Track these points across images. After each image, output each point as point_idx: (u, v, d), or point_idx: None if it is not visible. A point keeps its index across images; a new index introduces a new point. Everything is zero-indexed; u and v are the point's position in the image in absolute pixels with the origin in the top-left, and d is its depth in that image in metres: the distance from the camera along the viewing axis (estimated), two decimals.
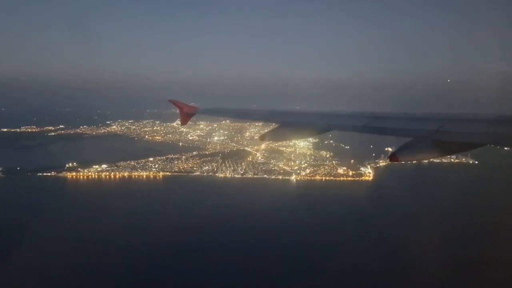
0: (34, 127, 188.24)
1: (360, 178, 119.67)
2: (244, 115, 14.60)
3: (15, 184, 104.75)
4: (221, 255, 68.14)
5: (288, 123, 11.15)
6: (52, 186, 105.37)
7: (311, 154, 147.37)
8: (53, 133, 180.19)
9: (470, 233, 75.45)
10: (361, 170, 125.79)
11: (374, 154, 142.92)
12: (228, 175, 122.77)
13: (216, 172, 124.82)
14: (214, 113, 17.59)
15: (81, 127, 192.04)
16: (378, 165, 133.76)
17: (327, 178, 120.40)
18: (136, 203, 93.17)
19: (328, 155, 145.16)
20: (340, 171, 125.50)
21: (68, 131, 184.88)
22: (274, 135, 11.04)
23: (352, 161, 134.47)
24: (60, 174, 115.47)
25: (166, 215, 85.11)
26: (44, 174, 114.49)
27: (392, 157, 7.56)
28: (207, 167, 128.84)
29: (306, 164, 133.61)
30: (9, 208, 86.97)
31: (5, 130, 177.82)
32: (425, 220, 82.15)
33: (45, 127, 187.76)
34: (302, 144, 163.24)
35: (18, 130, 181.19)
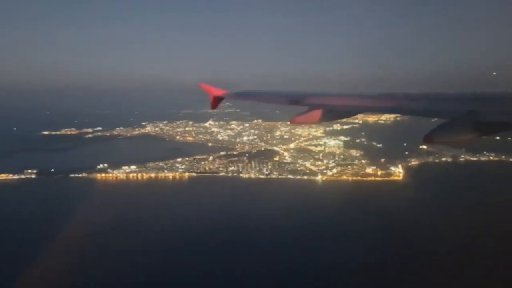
0: (74, 129, 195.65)
1: (389, 178, 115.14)
2: (274, 97, 14.28)
3: (47, 185, 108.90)
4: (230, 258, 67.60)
5: (319, 105, 10.68)
6: (80, 187, 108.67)
7: (340, 153, 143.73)
8: (90, 135, 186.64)
9: None
10: (391, 170, 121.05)
11: (407, 153, 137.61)
12: (252, 175, 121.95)
13: (241, 172, 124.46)
14: (243, 96, 16.90)
15: (117, 128, 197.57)
16: (410, 164, 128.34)
17: (354, 178, 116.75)
18: (146, 203, 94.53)
19: (358, 154, 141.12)
20: (369, 170, 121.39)
21: (105, 133, 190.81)
22: (305, 118, 10.42)
23: (383, 160, 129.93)
24: (91, 176, 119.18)
25: (162, 218, 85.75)
26: (76, 175, 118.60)
27: (426, 138, 6.74)
28: (232, 168, 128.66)
29: (333, 164, 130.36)
30: (35, 208, 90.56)
31: (46, 133, 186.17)
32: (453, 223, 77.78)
33: (84, 129, 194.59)
34: (332, 143, 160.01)
35: (58, 132, 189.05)
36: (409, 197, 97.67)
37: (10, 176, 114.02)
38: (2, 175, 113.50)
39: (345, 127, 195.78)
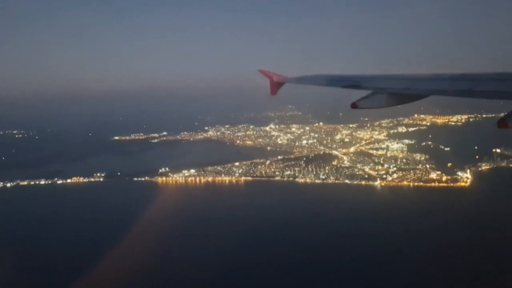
0: (142, 134, 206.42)
1: (454, 184, 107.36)
2: (334, 81, 14.05)
3: (112, 188, 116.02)
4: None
5: (382, 89, 10.45)
6: (141, 190, 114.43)
7: (403, 157, 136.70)
8: (156, 140, 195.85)
9: None
10: (457, 175, 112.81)
11: (477, 156, 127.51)
12: (308, 180, 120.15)
13: (297, 177, 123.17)
14: (302, 81, 16.63)
15: (181, 133, 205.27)
16: (480, 169, 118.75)
17: (416, 183, 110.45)
18: (199, 207, 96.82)
19: (422, 158, 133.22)
20: (433, 175, 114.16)
21: (170, 138, 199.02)
22: (366, 102, 10.16)
23: (450, 164, 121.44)
24: (152, 179, 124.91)
25: (213, 221, 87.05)
26: (139, 179, 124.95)
27: (501, 122, 6.55)
28: (288, 172, 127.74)
29: (395, 168, 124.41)
30: (96, 209, 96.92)
31: (117, 138, 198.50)
32: None
33: (151, 134, 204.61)
34: (395, 146, 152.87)
35: (128, 137, 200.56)
36: (474, 206, 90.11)
37: (81, 179, 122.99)
38: (74, 178, 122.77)
39: (410, 129, 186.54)
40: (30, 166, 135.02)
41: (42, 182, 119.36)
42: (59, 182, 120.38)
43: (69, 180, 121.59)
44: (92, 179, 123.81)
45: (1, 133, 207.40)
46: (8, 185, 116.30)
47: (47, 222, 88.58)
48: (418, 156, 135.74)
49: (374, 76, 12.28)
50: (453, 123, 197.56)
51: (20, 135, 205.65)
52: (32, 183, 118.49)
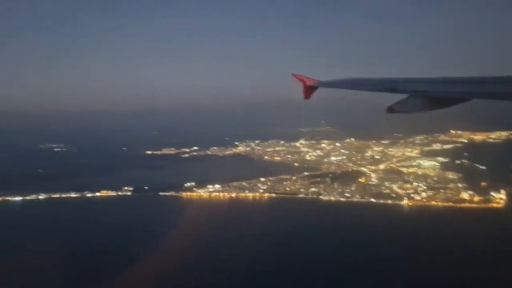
0: (173, 149, 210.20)
1: (486, 205, 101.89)
2: (368, 85, 13.54)
3: (138, 202, 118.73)
4: None
5: (419, 92, 10.08)
6: (165, 205, 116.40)
7: (434, 176, 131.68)
8: (186, 155, 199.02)
9: None
10: (491, 195, 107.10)
11: None
12: (332, 198, 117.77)
13: (321, 194, 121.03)
14: (335, 85, 16.51)
15: (211, 148, 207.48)
16: None
17: (445, 204, 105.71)
18: (215, 223, 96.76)
19: (455, 177, 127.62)
20: (464, 196, 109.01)
21: (200, 153, 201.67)
22: (403, 106, 9.85)
23: (484, 184, 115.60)
24: (177, 194, 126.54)
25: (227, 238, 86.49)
26: (164, 193, 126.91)
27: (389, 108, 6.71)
28: (313, 189, 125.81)
29: (424, 187, 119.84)
30: (121, 223, 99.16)
31: (149, 152, 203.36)
32: None
33: (182, 149, 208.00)
34: (427, 164, 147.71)
35: (159, 152, 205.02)
36: (505, 229, 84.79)
37: (109, 193, 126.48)
38: (102, 191, 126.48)
39: (445, 146, 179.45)
40: (63, 179, 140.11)
41: (73, 195, 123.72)
42: (88, 195, 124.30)
43: (97, 194, 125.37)
44: (120, 193, 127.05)
45: (42, 146, 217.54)
46: (41, 197, 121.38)
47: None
48: (450, 175, 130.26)
49: (412, 79, 11.60)
50: (492, 140, 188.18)
51: (58, 149, 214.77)
52: (64, 195, 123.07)
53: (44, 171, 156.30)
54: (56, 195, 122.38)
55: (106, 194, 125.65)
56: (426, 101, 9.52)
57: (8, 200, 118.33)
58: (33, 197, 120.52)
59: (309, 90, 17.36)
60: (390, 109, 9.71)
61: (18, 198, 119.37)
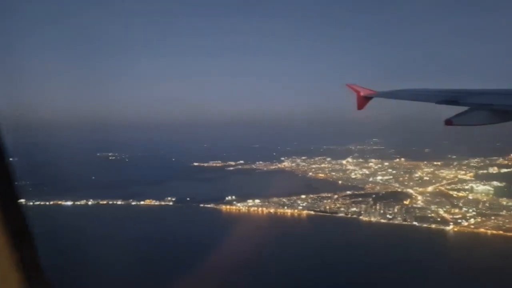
0: (220, 162, 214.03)
1: None
2: (427, 96, 13.26)
3: (178, 212, 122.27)
4: None
5: (481, 105, 9.74)
6: (201, 217, 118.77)
7: (486, 201, 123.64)
8: (231, 168, 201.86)
9: None
10: None
11: None
12: (373, 219, 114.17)
13: (361, 214, 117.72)
14: (391, 95, 16.47)
15: (257, 162, 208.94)
16: None
17: (495, 232, 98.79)
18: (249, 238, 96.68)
19: (510, 204, 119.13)
20: None
21: (245, 166, 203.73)
22: (463, 119, 9.55)
23: None
24: (217, 206, 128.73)
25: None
26: (205, 205, 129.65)
27: (447, 121, 6.99)
28: (354, 209, 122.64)
29: (474, 213, 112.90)
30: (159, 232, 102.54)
31: (196, 164, 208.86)
32: None
33: (228, 162, 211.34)
34: (481, 189, 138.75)
35: (206, 164, 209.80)
36: None
37: (153, 202, 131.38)
38: (147, 200, 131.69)
39: (503, 170, 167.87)
40: (113, 187, 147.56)
41: (119, 202, 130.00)
42: (133, 203, 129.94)
43: (142, 202, 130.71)
44: (163, 203, 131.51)
45: (98, 154, 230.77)
46: (90, 203, 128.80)
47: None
48: (505, 201, 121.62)
49: (475, 91, 11.40)
50: None
51: (113, 157, 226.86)
52: (111, 202, 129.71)
53: (96, 178, 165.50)
54: (104, 202, 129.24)
55: (149, 203, 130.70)
56: (487, 113, 9.20)
57: (60, 204, 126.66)
58: (82, 202, 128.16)
59: (363, 100, 17.59)
60: (449, 122, 9.13)
61: (68, 203, 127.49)
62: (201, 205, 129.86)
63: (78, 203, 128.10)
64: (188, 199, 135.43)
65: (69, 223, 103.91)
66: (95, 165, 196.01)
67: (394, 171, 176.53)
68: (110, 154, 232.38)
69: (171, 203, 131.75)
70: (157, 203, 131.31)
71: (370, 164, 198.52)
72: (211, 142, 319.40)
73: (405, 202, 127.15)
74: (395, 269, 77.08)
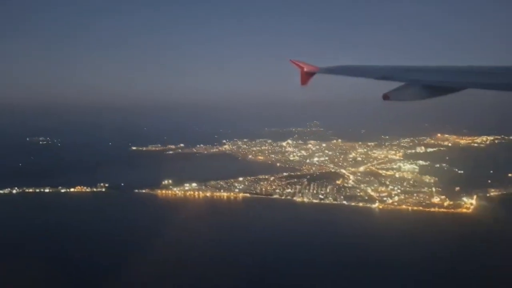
0: (159, 145, 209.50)
1: (455, 210, 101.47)
2: (367, 72, 13.72)
3: (110, 198, 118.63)
4: None
5: (416, 80, 10.19)
6: (135, 202, 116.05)
7: (411, 179, 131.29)
8: (171, 152, 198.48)
9: None
10: (462, 200, 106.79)
11: (489, 181, 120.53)
12: (306, 199, 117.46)
13: (295, 195, 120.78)
14: (335, 71, 16.41)
15: (197, 146, 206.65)
16: (488, 195, 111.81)
17: (415, 208, 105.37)
18: (181, 222, 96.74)
19: (431, 181, 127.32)
20: (435, 200, 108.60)
21: (185, 150, 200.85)
22: (399, 94, 9.88)
23: (458, 188, 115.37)
24: (152, 192, 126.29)
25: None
26: (139, 191, 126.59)
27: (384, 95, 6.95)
28: (289, 190, 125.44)
29: (398, 191, 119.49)
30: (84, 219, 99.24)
31: (134, 148, 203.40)
32: None
33: (168, 146, 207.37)
34: (407, 167, 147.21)
35: (145, 148, 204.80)
36: (467, 235, 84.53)
37: (84, 189, 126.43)
38: (77, 187, 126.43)
39: (429, 150, 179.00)
40: (42, 173, 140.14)
41: (47, 190, 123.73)
42: (63, 191, 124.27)
43: (72, 189, 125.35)
44: (95, 189, 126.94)
45: (27, 139, 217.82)
46: (14, 191, 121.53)
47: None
48: (427, 179, 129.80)
49: (409, 67, 11.93)
50: (476, 145, 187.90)
51: (44, 142, 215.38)
52: (38, 190, 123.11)
53: (24, 165, 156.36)
54: (30, 190, 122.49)
55: (80, 190, 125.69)
56: (421, 89, 9.59)
57: None
58: (6, 191, 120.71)
59: (306, 76, 17.28)
60: (386, 96, 9.58)
61: None
62: (136, 190, 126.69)
63: (2, 191, 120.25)
64: (122, 184, 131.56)
65: None
66: (24, 151, 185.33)
67: (330, 152, 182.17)
68: (41, 138, 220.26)
69: (103, 190, 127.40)
70: (88, 189, 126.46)
71: (309, 145, 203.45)
72: (151, 125, 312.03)
73: (337, 182, 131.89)
74: (317, 245, 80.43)
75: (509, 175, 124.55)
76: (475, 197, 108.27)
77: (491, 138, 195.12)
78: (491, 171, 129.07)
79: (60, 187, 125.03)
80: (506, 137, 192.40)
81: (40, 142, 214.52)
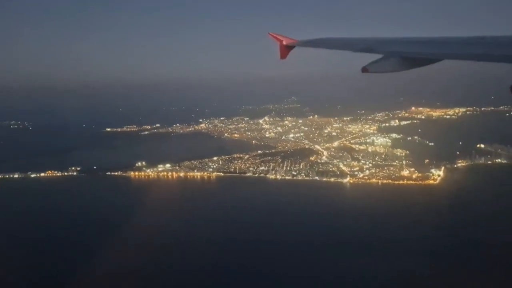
0: (135, 126, 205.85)
1: (423, 182, 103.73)
2: (346, 44, 13.85)
3: (81, 182, 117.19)
4: None
5: (394, 52, 10.21)
6: (108, 185, 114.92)
7: (383, 153, 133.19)
8: (147, 132, 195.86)
9: None
10: (430, 172, 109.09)
11: (458, 153, 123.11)
12: (278, 177, 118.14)
13: (268, 173, 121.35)
14: (314, 43, 16.28)
15: (174, 125, 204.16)
16: (455, 166, 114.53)
17: (385, 181, 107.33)
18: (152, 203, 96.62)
19: (402, 154, 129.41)
20: (404, 173, 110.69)
21: (161, 130, 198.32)
22: (378, 66, 9.83)
23: (427, 161, 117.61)
24: (125, 174, 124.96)
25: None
26: (112, 173, 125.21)
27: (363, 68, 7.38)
28: (262, 168, 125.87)
29: (370, 165, 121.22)
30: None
31: (108, 129, 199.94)
32: None
33: (143, 126, 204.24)
34: (380, 141, 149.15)
35: (119, 129, 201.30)
36: (431, 206, 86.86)
37: (55, 173, 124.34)
38: (48, 171, 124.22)
39: (403, 123, 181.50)
40: (11, 158, 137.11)
41: (16, 175, 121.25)
42: (33, 176, 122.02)
43: (42, 174, 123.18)
44: (66, 173, 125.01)
45: None
46: None
47: None
48: (398, 152, 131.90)
49: (388, 39, 12.15)
50: (448, 117, 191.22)
51: (15, 126, 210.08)
52: (6, 176, 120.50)
53: None
54: None
55: (51, 175, 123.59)
56: (400, 61, 9.72)
57: None
58: None
59: (285, 49, 17.24)
60: (365, 69, 9.60)
61: None
62: (108, 173, 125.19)
63: None
64: (94, 167, 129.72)
65: None
66: None
67: (306, 128, 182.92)
68: (12, 122, 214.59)
69: (75, 173, 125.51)
70: (59, 174, 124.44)
71: (286, 122, 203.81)
72: (127, 106, 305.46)
73: (311, 158, 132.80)
74: (286, 222, 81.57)
75: (477, 146, 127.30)
76: (443, 168, 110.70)
77: (463, 109, 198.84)
78: (460, 143, 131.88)
79: (29, 173, 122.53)
80: (478, 109, 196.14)
81: (12, 127, 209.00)
